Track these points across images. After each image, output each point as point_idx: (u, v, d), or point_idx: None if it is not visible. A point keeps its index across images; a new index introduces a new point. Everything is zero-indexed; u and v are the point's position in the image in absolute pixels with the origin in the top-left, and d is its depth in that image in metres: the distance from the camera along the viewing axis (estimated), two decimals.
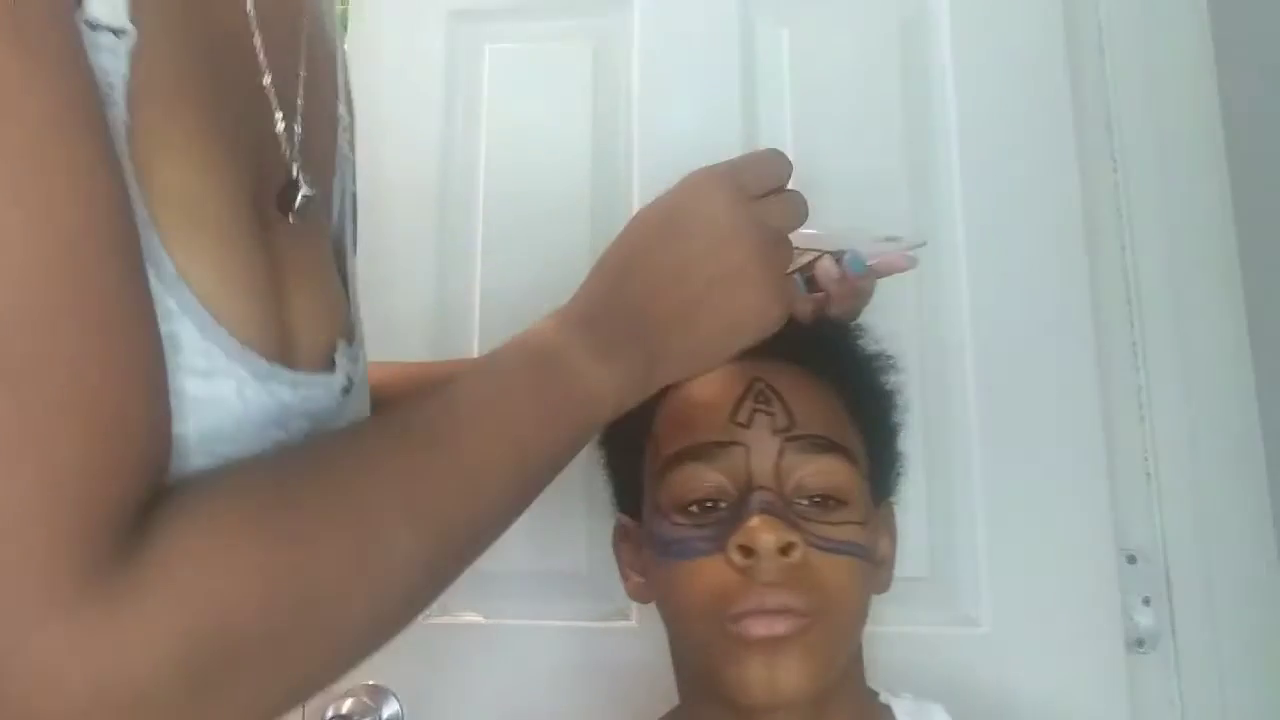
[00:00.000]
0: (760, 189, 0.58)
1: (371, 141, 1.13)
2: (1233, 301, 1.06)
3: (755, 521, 0.59)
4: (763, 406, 0.64)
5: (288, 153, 0.52)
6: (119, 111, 0.40)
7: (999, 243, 1.05)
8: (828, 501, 0.63)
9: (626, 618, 1.00)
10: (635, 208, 1.08)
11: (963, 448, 1.02)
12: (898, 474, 0.73)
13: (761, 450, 0.63)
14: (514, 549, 1.04)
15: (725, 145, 1.09)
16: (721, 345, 0.58)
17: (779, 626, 0.59)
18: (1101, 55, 1.13)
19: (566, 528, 1.02)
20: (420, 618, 1.13)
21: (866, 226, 0.71)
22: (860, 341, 0.72)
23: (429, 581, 0.49)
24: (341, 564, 0.43)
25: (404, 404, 0.52)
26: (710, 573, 0.61)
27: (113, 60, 0.40)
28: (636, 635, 0.99)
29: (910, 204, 1.07)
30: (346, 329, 0.59)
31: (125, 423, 0.37)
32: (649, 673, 0.93)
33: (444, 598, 1.02)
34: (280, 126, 0.51)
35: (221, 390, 0.44)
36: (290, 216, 0.51)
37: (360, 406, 0.59)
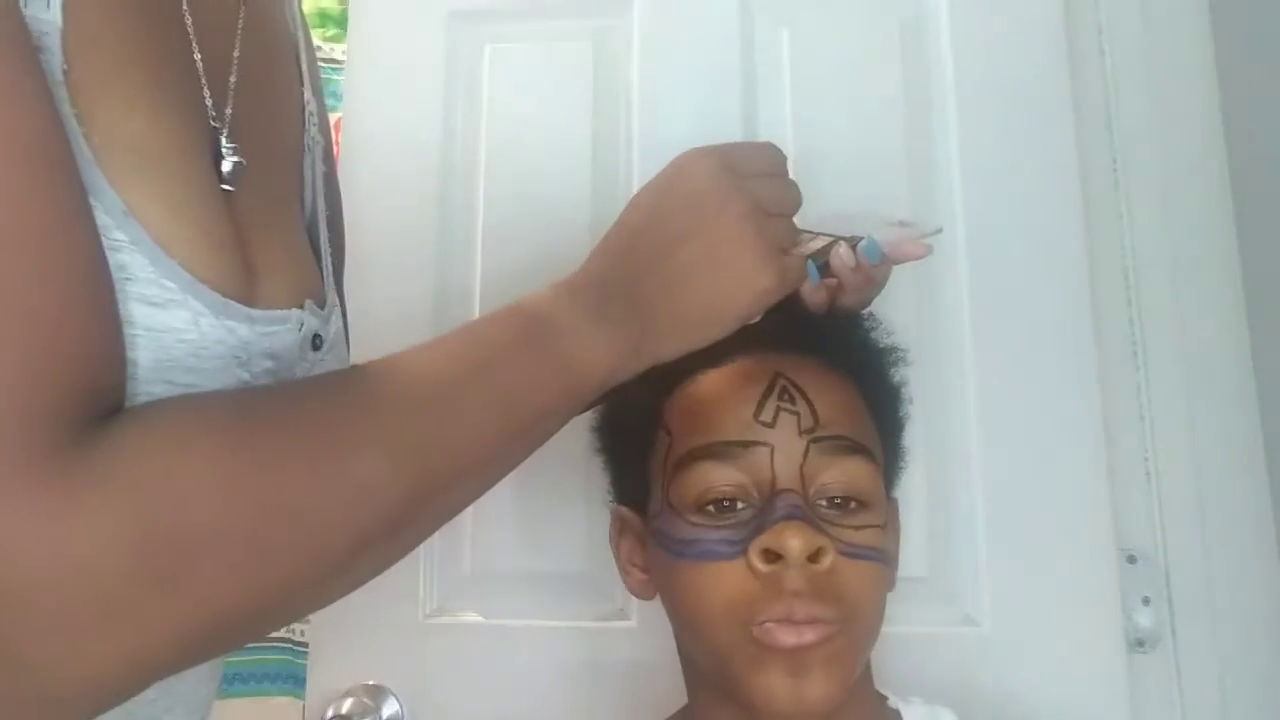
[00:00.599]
0: (749, 170, 0.58)
1: (371, 141, 1.13)
2: (1233, 301, 1.06)
3: (783, 527, 0.57)
4: (787, 405, 0.62)
5: (216, 124, 0.53)
6: (54, 58, 0.43)
7: (999, 242, 1.05)
8: (849, 504, 0.62)
9: (626, 618, 1.00)
10: None
11: (962, 448, 1.02)
12: (901, 468, 0.72)
13: (786, 451, 0.61)
14: (514, 549, 1.04)
15: None
16: (714, 316, 0.57)
17: (807, 635, 0.57)
18: (1101, 55, 1.13)
19: (566, 528, 1.02)
20: (420, 617, 1.14)
21: (878, 213, 0.70)
22: (875, 333, 0.70)
23: (408, 517, 0.49)
24: (311, 477, 0.44)
25: (392, 356, 0.53)
26: (732, 578, 0.59)
27: (44, 10, 0.42)
28: (636, 635, 0.99)
29: (910, 204, 1.07)
30: (317, 294, 0.60)
31: (70, 321, 0.40)
32: (649, 673, 0.93)
33: (444, 597, 1.03)
34: (209, 99, 0.53)
35: (175, 320, 0.46)
36: (220, 183, 0.53)
37: (334, 368, 0.60)
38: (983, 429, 1.02)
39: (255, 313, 0.51)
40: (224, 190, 0.53)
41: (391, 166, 1.11)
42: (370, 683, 1.00)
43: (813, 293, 0.66)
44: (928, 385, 1.02)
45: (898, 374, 0.71)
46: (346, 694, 0.99)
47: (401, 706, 1.00)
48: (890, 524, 0.66)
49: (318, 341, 0.58)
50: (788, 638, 0.57)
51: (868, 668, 0.67)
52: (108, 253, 0.43)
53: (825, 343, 0.66)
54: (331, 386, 0.50)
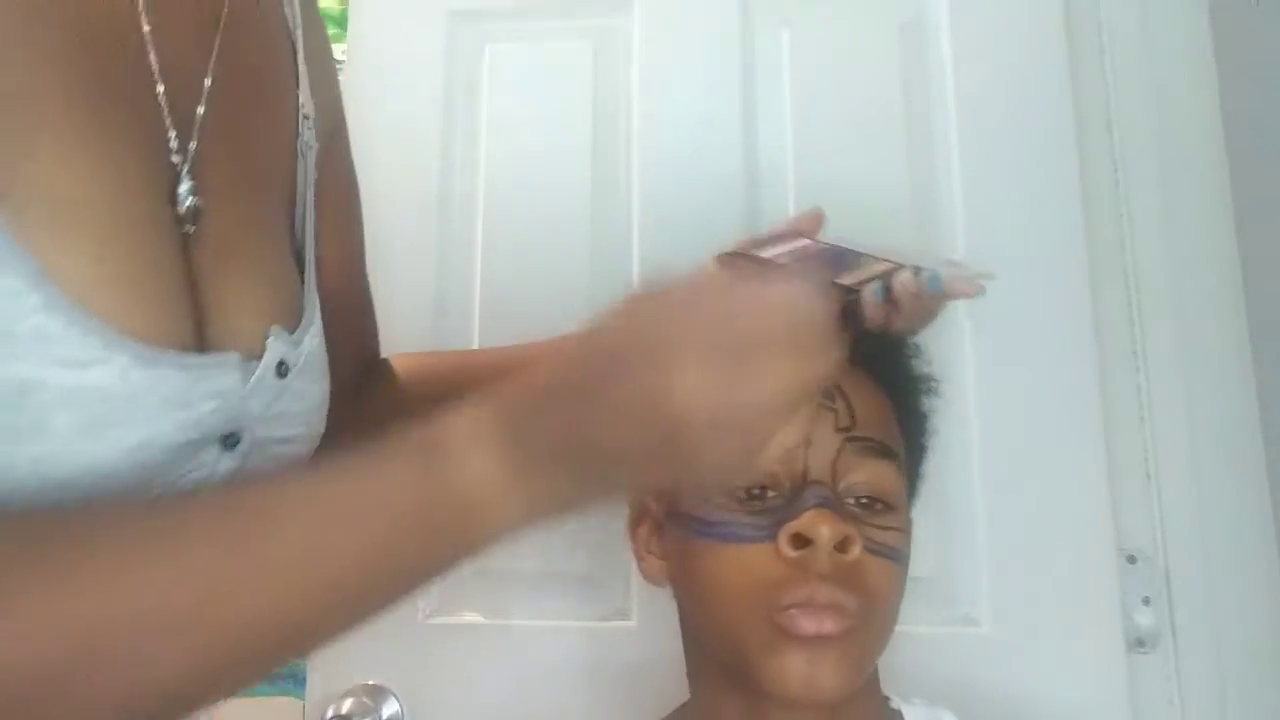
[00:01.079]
0: (757, 351, 0.47)
1: (371, 141, 1.13)
2: (1233, 302, 1.06)
3: (814, 514, 0.59)
4: (826, 402, 0.64)
5: (178, 159, 0.52)
6: None
7: (999, 243, 1.05)
8: (875, 505, 0.64)
9: (626, 618, 1.00)
10: (635, 207, 1.10)
11: (963, 448, 1.02)
12: (916, 494, 0.74)
13: (821, 445, 0.63)
14: (514, 549, 1.04)
15: (725, 145, 1.10)
16: (655, 486, 0.55)
17: (827, 624, 0.59)
18: (1101, 55, 1.13)
19: (567, 528, 1.02)
20: (420, 617, 1.14)
21: (934, 251, 0.73)
22: (916, 359, 0.73)
23: (214, 681, 0.44)
24: (97, 633, 0.40)
25: (255, 478, 0.51)
26: (758, 560, 0.60)
27: None
28: (636, 635, 0.99)
29: (910, 204, 1.07)
30: (288, 317, 0.59)
31: None
32: (649, 673, 0.93)
33: (444, 597, 1.03)
34: (171, 134, 0.52)
35: (97, 378, 0.44)
36: (181, 224, 0.52)
37: (306, 387, 0.60)
38: (983, 429, 1.02)
39: (189, 359, 0.50)
40: (182, 229, 0.52)
41: (391, 166, 1.11)
42: (370, 683, 1.00)
43: (874, 310, 0.68)
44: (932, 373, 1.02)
45: (928, 402, 0.74)
46: (346, 694, 0.99)
47: (401, 706, 1.00)
48: (908, 534, 0.68)
49: (282, 368, 0.57)
50: (808, 625, 0.58)
51: (875, 669, 0.68)
52: (22, 316, 0.42)
53: (870, 356, 0.68)
54: (165, 520, 0.45)
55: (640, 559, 0.72)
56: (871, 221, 0.98)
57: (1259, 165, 1.05)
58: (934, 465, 1.00)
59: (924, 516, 0.99)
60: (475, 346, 1.08)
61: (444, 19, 1.16)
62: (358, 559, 0.45)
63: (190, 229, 0.52)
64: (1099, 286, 1.05)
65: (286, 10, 0.68)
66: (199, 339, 0.53)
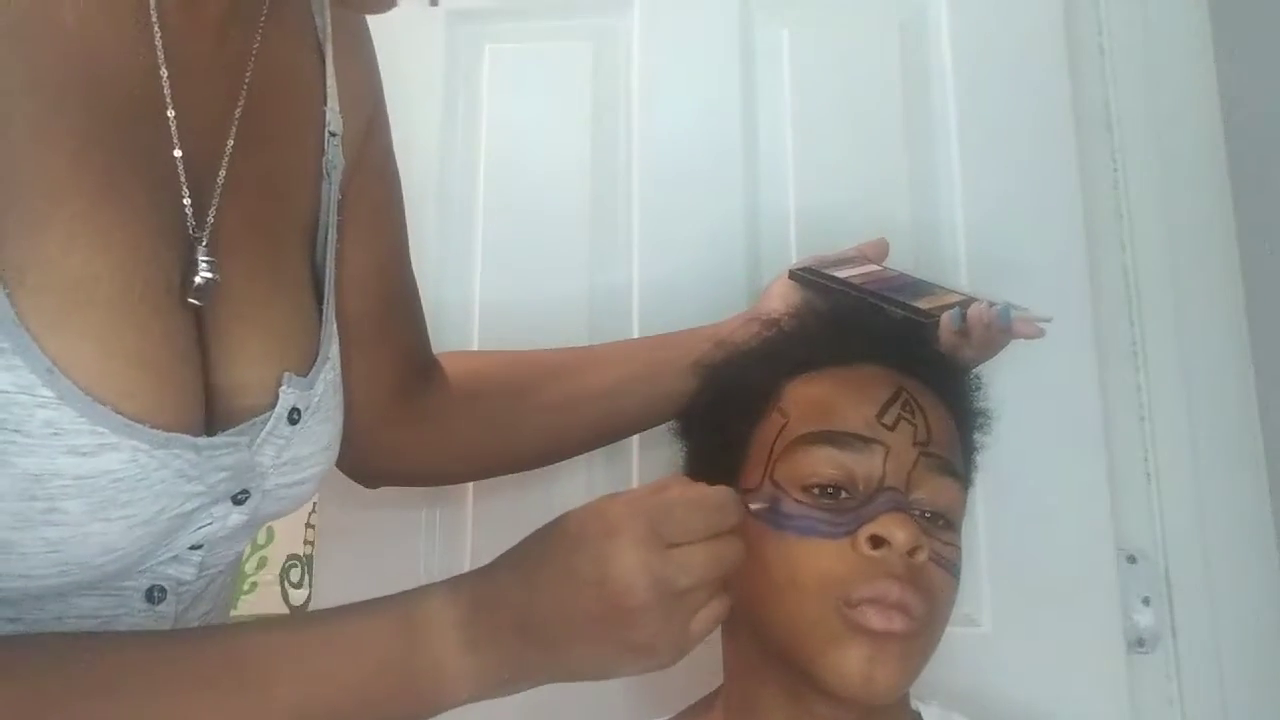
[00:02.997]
0: (683, 536, 0.54)
1: None
2: (1233, 301, 1.06)
3: (892, 518, 0.62)
4: (907, 415, 0.67)
5: (196, 234, 0.52)
6: None
7: (999, 243, 1.05)
8: (939, 520, 0.66)
9: None
10: (635, 207, 1.10)
11: None
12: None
13: (899, 455, 0.65)
14: None
15: (725, 145, 1.10)
16: (605, 670, 0.58)
17: (897, 622, 0.61)
18: (1101, 55, 1.13)
19: None
20: None
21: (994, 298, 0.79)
22: (979, 393, 0.77)
23: None
24: None
25: (241, 627, 0.53)
26: (834, 555, 0.62)
27: None
28: None
29: (910, 204, 1.07)
30: (303, 358, 0.60)
31: None
32: (649, 672, 0.93)
33: None
34: (188, 203, 0.52)
35: (107, 464, 0.46)
36: (190, 299, 0.52)
37: (318, 428, 0.61)
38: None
39: (200, 442, 0.51)
40: (193, 301, 0.52)
41: None
42: None
43: (950, 335, 0.74)
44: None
45: (980, 439, 0.77)
46: None
47: None
48: (961, 555, 0.70)
49: (295, 415, 0.58)
50: (878, 621, 0.60)
51: None
52: (35, 410, 0.43)
53: (944, 380, 0.72)
54: (135, 665, 0.47)
55: None
56: (871, 221, 0.98)
57: (1259, 165, 1.05)
58: None
59: None
60: (475, 347, 1.08)
61: (444, 19, 1.16)
62: (336, 716, 0.50)
63: (203, 302, 0.53)
64: (1099, 286, 1.05)
65: (317, 19, 0.67)
66: (209, 408, 0.53)
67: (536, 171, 1.12)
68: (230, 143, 0.56)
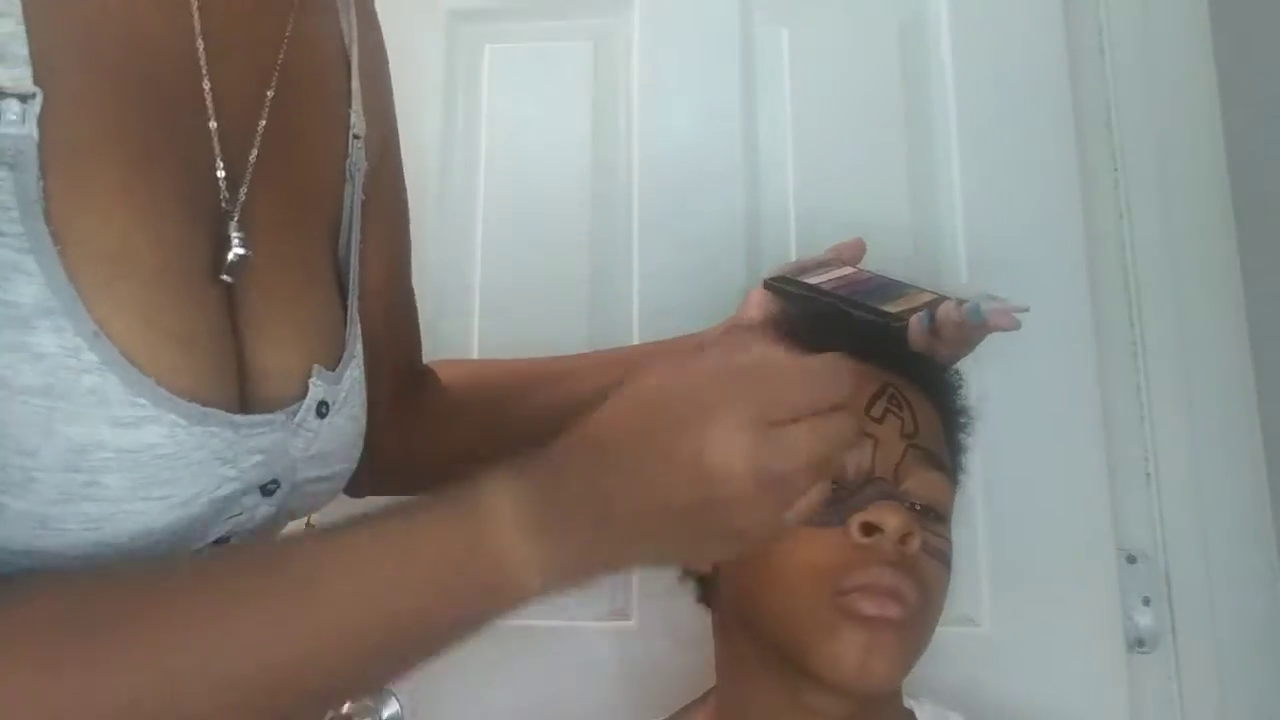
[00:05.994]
0: (792, 413, 0.48)
1: None
2: (1233, 301, 1.06)
3: (883, 506, 0.63)
4: (895, 409, 0.68)
5: (228, 208, 0.51)
6: (29, 175, 0.40)
7: (999, 242, 1.05)
8: (929, 512, 0.67)
9: (626, 618, 1.00)
10: (635, 207, 1.10)
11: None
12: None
13: (888, 447, 0.67)
14: None
15: (725, 145, 1.10)
16: (688, 555, 0.54)
17: (890, 608, 0.61)
18: (1101, 55, 1.13)
19: None
20: None
21: (973, 290, 0.78)
22: (960, 390, 0.77)
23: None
24: (134, 704, 0.40)
25: (287, 538, 0.51)
26: (826, 544, 0.63)
27: (20, 127, 0.40)
28: (636, 635, 0.99)
29: (910, 204, 1.07)
30: (330, 353, 0.59)
31: None
32: (649, 672, 0.93)
33: None
34: (221, 175, 0.51)
35: (149, 437, 0.45)
36: (223, 275, 0.51)
37: (344, 424, 0.60)
38: (983, 429, 1.02)
39: (239, 419, 0.50)
40: (226, 279, 0.51)
41: None
42: None
43: (920, 337, 0.73)
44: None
45: (965, 438, 0.77)
46: None
47: (401, 706, 1.00)
48: (951, 548, 0.70)
49: (323, 409, 0.57)
50: (870, 606, 0.61)
51: None
52: (80, 375, 0.42)
53: (928, 378, 0.73)
54: (197, 585, 0.45)
55: None
56: (871, 221, 0.98)
57: (1259, 165, 1.05)
58: None
59: None
60: (474, 346, 1.08)
61: (444, 19, 1.16)
62: (394, 624, 0.46)
63: (235, 280, 0.52)
64: (1099, 286, 1.05)
65: (343, 23, 0.67)
66: (241, 390, 0.52)
67: (536, 171, 1.12)
68: (263, 122, 0.55)
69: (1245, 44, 1.08)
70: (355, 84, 0.67)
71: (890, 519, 0.62)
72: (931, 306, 0.75)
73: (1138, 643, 0.99)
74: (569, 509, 0.48)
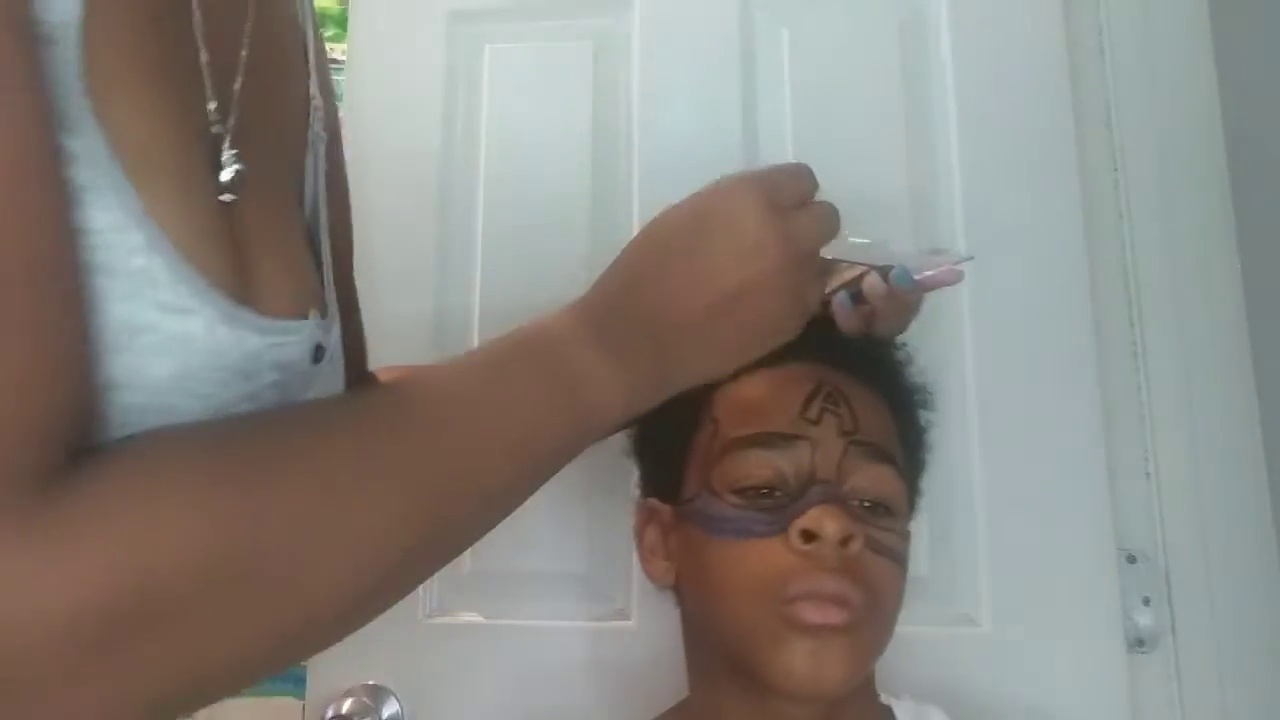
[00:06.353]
0: (792, 201, 0.56)
1: (371, 141, 1.13)
2: (1233, 301, 1.06)
3: (821, 510, 0.62)
4: (831, 407, 0.67)
5: (218, 129, 0.51)
6: (71, 51, 0.41)
7: (999, 242, 1.05)
8: (878, 508, 0.66)
9: (626, 618, 1.00)
10: (635, 207, 1.10)
11: (963, 447, 1.02)
12: (915, 509, 0.75)
13: (826, 448, 0.66)
14: (514, 549, 1.04)
15: (725, 145, 1.10)
16: (736, 354, 0.57)
17: (833, 615, 0.60)
18: (1101, 55, 1.13)
19: (566, 528, 1.02)
20: (420, 617, 1.14)
21: (911, 239, 0.72)
22: (909, 368, 0.75)
23: (410, 563, 0.47)
24: (305, 519, 0.41)
25: (403, 381, 0.52)
26: (767, 554, 0.62)
27: (66, 1, 0.40)
28: (636, 635, 0.99)
29: (910, 204, 1.07)
30: (318, 303, 0.58)
31: (44, 359, 0.36)
32: (649, 673, 0.93)
33: (444, 597, 1.03)
34: (211, 104, 0.51)
35: (193, 327, 0.44)
36: (220, 192, 0.50)
37: (334, 381, 0.59)
38: (983, 429, 1.02)
39: (265, 322, 0.49)
40: (223, 200, 0.50)
41: (391, 166, 1.11)
42: (370, 683, 1.00)
43: (846, 319, 0.70)
44: (928, 385, 1.02)
45: (925, 416, 0.76)
46: (346, 694, 0.99)
47: (401, 706, 1.00)
48: (907, 541, 0.69)
49: (319, 353, 0.56)
50: (814, 615, 0.60)
51: (872, 671, 0.69)
52: (128, 255, 0.42)
53: (867, 366, 0.71)
54: (338, 419, 0.48)
55: (646, 561, 0.73)
56: (871, 220, 0.98)
57: (1259, 165, 1.05)
58: (934, 465, 1.01)
59: (924, 516, 0.99)
60: (475, 346, 1.08)
61: (444, 19, 1.16)
62: (508, 450, 0.50)
63: (234, 198, 0.51)
64: (1099, 287, 1.05)
65: (296, 6, 0.67)
66: (255, 300, 0.51)
67: (536, 172, 1.12)
68: (244, 54, 0.55)
69: (1245, 44, 1.08)
70: (313, 62, 0.66)
71: (828, 524, 0.61)
72: (852, 284, 0.70)
73: (1138, 643, 0.99)
74: (628, 336, 0.53)
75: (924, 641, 0.95)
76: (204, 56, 0.51)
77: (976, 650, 0.97)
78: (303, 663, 1.07)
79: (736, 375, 0.65)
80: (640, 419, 0.69)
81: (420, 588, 1.01)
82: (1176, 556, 1.02)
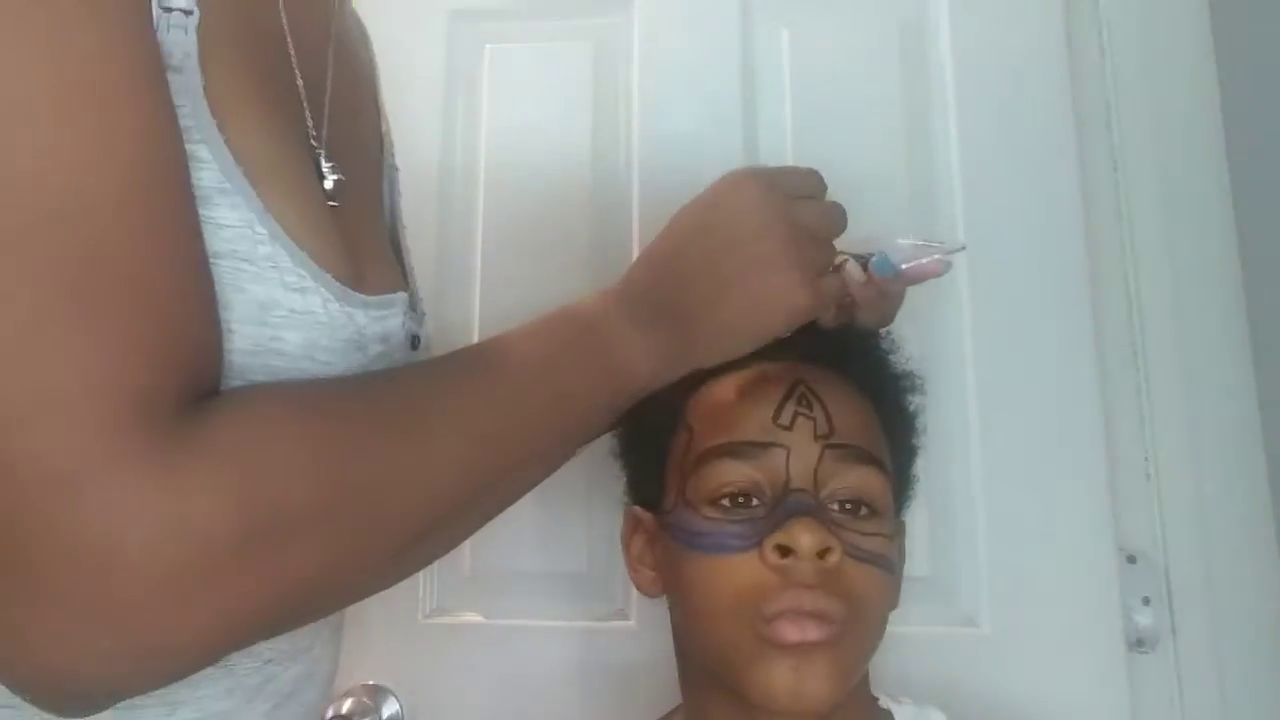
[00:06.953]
0: (796, 191, 0.62)
1: None
2: (1233, 302, 1.06)
3: (795, 523, 0.59)
4: (804, 410, 0.64)
5: (316, 144, 0.57)
6: (194, 77, 0.47)
7: (999, 243, 1.05)
8: (859, 509, 0.63)
9: (626, 618, 1.00)
10: (635, 207, 1.10)
11: (963, 447, 1.02)
12: (909, 497, 0.73)
13: (801, 454, 0.63)
14: (514, 549, 1.04)
15: (725, 145, 1.10)
16: (751, 330, 0.61)
17: (812, 632, 0.58)
18: (1101, 55, 1.13)
19: (567, 528, 1.02)
20: (420, 617, 1.14)
21: (899, 229, 0.73)
22: (893, 357, 0.72)
23: (468, 506, 0.54)
24: (389, 459, 0.48)
25: (465, 348, 0.59)
26: (743, 570, 0.60)
27: (184, 36, 0.47)
28: (636, 635, 0.99)
29: (910, 204, 1.07)
30: (408, 289, 0.65)
31: (176, 311, 0.43)
32: (649, 673, 0.93)
33: (444, 597, 1.03)
34: (309, 121, 0.57)
35: (312, 303, 0.51)
36: (327, 198, 0.57)
37: None
38: (983, 429, 1.02)
39: (369, 298, 0.56)
40: (329, 205, 0.57)
41: None
42: (370, 683, 1.00)
43: (826, 310, 0.66)
44: (928, 385, 1.02)
45: (913, 401, 0.73)
46: (346, 694, 0.99)
47: (401, 706, 1.00)
48: (897, 539, 0.67)
49: (416, 342, 0.63)
50: (793, 633, 0.58)
51: (866, 671, 0.68)
52: (256, 245, 0.48)
53: (845, 358, 0.68)
54: (415, 375, 0.56)
55: (633, 571, 0.72)
56: (870, 221, 0.98)
57: (1259, 165, 1.05)
58: (934, 465, 1.01)
59: (924, 516, 1.00)
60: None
61: (444, 19, 1.16)
62: (550, 405, 0.57)
63: (335, 204, 0.57)
64: (1099, 286, 1.05)
65: (364, 53, 0.73)
66: (359, 284, 0.57)
67: (536, 172, 1.12)
68: (329, 76, 0.61)
69: (1245, 44, 1.08)
70: (382, 102, 0.73)
71: (804, 538, 0.58)
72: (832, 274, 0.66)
73: (1138, 643, 0.99)
74: (652, 313, 0.61)
75: (924, 643, 0.95)
76: (299, 78, 0.57)
77: (976, 651, 0.97)
78: None
79: (714, 374, 0.65)
80: (619, 421, 0.69)
81: (420, 588, 1.02)
82: (1176, 556, 1.02)
